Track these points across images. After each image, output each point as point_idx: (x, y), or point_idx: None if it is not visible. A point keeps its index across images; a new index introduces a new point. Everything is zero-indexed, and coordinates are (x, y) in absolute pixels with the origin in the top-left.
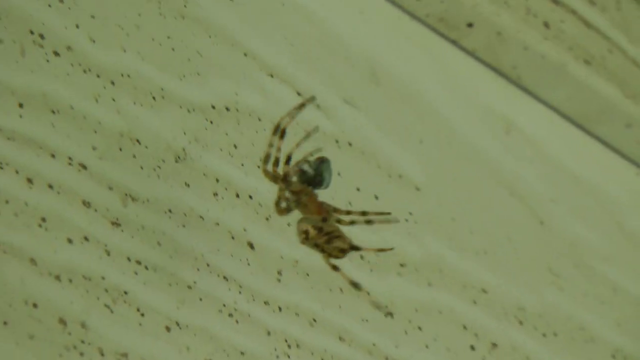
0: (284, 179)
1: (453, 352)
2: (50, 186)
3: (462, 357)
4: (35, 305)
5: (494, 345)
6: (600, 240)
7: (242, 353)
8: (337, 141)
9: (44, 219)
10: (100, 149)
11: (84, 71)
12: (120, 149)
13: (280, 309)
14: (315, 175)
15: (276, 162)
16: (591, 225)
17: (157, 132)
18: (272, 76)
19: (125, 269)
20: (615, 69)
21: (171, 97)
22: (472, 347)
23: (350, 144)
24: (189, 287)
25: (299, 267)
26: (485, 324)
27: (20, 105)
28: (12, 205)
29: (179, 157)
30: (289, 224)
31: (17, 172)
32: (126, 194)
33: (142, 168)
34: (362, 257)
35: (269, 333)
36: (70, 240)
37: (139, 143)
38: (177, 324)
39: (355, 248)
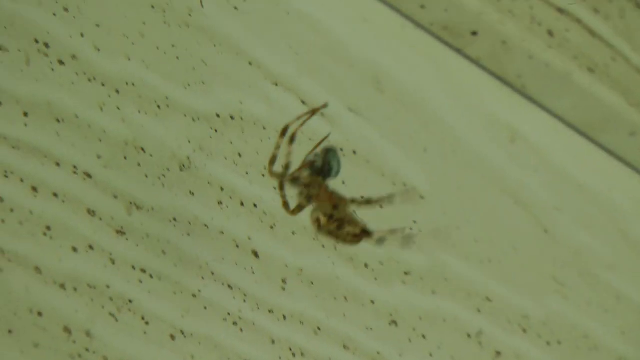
0: (293, 177)
1: None
2: (55, 195)
3: None
4: (40, 314)
5: (498, 353)
6: (604, 248)
7: None
8: (341, 149)
9: (48, 228)
10: (105, 158)
11: (89, 80)
12: (125, 158)
13: (284, 317)
14: (323, 165)
15: (287, 166)
16: (595, 233)
17: (161, 141)
18: (276, 85)
19: (130, 278)
20: (618, 77)
21: (176, 105)
22: (476, 356)
23: (354, 152)
24: (194, 295)
25: (303, 276)
26: (490, 333)
27: (25, 114)
28: (17, 214)
29: (183, 166)
30: (293, 233)
31: (22, 180)
32: (131, 203)
33: (146, 176)
34: (366, 265)
35: (273, 342)
36: (75, 249)
37: (144, 151)
38: (182, 332)
39: (367, 232)
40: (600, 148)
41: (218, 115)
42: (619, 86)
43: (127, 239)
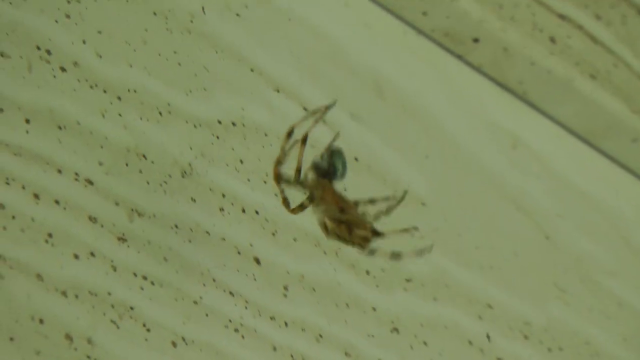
0: (299, 180)
1: None
2: (57, 202)
3: None
4: (41, 321)
5: None
6: (606, 255)
7: None
8: None
9: (50, 235)
10: (107, 165)
11: (91, 87)
12: (127, 164)
13: (286, 324)
14: (328, 167)
15: (298, 171)
16: (597, 240)
17: (163, 147)
18: (278, 91)
19: (132, 285)
20: (620, 84)
21: (178, 112)
22: None
23: (356, 159)
24: (195, 302)
25: (305, 282)
26: (491, 339)
27: (27, 121)
28: (18, 221)
29: (185, 172)
30: (295, 239)
31: (23, 187)
32: (132, 209)
33: (148, 183)
34: (368, 272)
35: (275, 348)
36: (76, 256)
37: (146, 158)
38: (183, 339)
39: (377, 233)
40: (602, 155)
41: (220, 122)
42: (621, 93)
43: (128, 246)
